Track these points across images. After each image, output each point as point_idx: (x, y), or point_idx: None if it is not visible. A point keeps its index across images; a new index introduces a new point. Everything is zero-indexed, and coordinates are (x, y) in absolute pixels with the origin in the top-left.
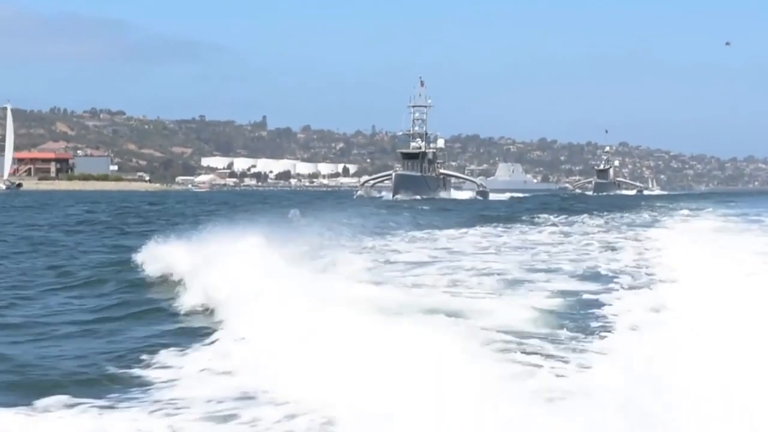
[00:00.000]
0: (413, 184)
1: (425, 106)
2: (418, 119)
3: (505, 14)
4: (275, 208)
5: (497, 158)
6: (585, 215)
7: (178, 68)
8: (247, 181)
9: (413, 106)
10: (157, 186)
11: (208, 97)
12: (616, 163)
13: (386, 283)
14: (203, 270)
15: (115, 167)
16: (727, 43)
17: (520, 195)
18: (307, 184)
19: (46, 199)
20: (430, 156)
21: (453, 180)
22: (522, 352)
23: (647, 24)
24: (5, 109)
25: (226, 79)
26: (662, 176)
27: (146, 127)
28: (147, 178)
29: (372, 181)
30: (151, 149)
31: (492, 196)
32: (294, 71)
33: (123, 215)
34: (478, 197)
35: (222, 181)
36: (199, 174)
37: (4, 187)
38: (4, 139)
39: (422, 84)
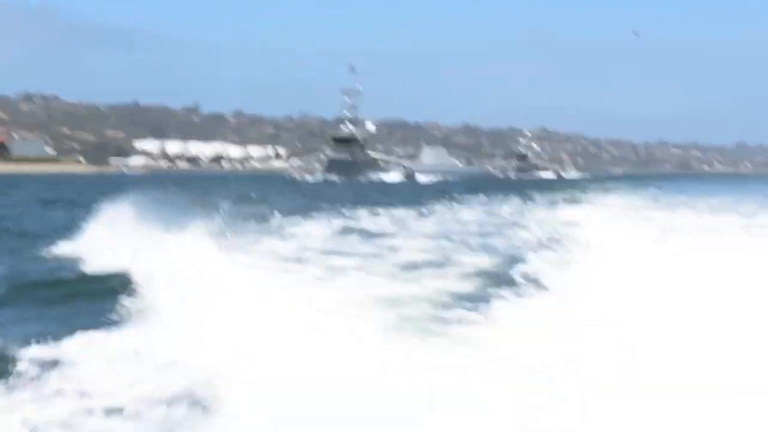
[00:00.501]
0: (344, 167)
1: (355, 91)
2: (348, 104)
3: None
4: (219, 190)
5: (422, 142)
6: (507, 196)
7: (112, 54)
8: (180, 164)
9: (343, 91)
10: (93, 168)
11: (141, 82)
12: (536, 147)
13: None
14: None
15: (51, 150)
16: (636, 33)
17: (446, 178)
18: (240, 167)
19: None
20: (359, 140)
21: (381, 163)
22: (428, 320)
23: (550, 5)
24: None
25: (158, 64)
26: (580, 159)
27: (80, 111)
28: (82, 160)
29: (303, 165)
30: (85, 133)
31: (419, 179)
32: (225, 56)
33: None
34: (406, 179)
35: (155, 164)
36: (133, 157)
37: None
38: None
39: (352, 69)
